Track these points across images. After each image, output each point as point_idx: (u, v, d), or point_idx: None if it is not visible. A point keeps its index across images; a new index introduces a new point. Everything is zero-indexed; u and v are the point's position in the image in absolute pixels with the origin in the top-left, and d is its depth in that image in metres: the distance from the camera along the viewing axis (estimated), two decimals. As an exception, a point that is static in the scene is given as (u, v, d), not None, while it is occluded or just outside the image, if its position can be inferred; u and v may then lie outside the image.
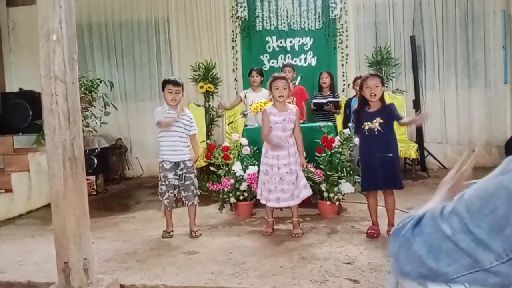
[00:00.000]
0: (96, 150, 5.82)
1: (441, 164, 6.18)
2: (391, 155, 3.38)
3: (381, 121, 3.37)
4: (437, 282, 0.65)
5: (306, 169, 3.77)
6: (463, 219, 0.60)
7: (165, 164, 3.66)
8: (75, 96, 2.40)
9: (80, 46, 6.62)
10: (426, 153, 6.13)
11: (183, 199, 3.77)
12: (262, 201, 3.70)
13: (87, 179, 5.54)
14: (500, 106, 6.28)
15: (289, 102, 3.82)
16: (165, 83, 3.67)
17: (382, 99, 3.44)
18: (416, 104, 6.15)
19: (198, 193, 3.81)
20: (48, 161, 2.37)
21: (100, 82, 5.88)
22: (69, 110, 2.35)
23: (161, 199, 3.72)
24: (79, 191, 2.38)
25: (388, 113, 3.39)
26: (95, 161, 5.74)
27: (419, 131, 6.11)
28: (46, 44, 2.33)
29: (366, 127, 3.41)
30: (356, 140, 3.85)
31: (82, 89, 5.53)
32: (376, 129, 3.36)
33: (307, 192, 3.66)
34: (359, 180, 3.69)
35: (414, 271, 0.67)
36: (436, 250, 0.63)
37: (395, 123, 3.46)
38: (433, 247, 0.63)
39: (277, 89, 3.54)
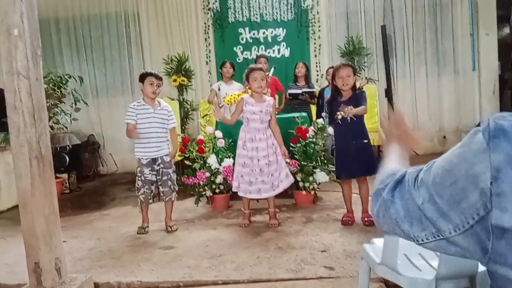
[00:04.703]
0: (68, 147, 5.69)
1: (413, 151, 6.29)
2: (367, 141, 3.44)
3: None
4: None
5: (287, 159, 3.77)
6: (429, 189, 0.63)
7: (142, 160, 3.62)
8: (39, 92, 2.33)
9: (47, 41, 6.46)
10: (398, 141, 6.23)
11: (161, 194, 3.72)
12: (240, 194, 3.69)
13: (59, 178, 5.46)
14: (469, 92, 6.44)
15: (264, 93, 3.82)
16: (147, 75, 3.61)
17: (353, 88, 3.48)
18: (388, 93, 6.24)
19: (176, 188, 3.76)
20: (14, 160, 2.29)
21: (69, 77, 5.72)
22: (33, 107, 2.28)
23: (137, 194, 3.68)
24: (48, 189, 2.32)
25: (357, 101, 3.43)
26: (67, 158, 5.60)
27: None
28: (7, 40, 2.24)
29: (339, 117, 3.44)
30: (330, 130, 3.88)
31: (51, 85, 5.37)
32: (348, 118, 3.40)
33: (288, 181, 3.68)
34: (334, 169, 3.73)
35: (391, 231, 0.74)
36: (411, 215, 0.68)
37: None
38: (409, 212, 0.68)
39: (255, 80, 3.53)
